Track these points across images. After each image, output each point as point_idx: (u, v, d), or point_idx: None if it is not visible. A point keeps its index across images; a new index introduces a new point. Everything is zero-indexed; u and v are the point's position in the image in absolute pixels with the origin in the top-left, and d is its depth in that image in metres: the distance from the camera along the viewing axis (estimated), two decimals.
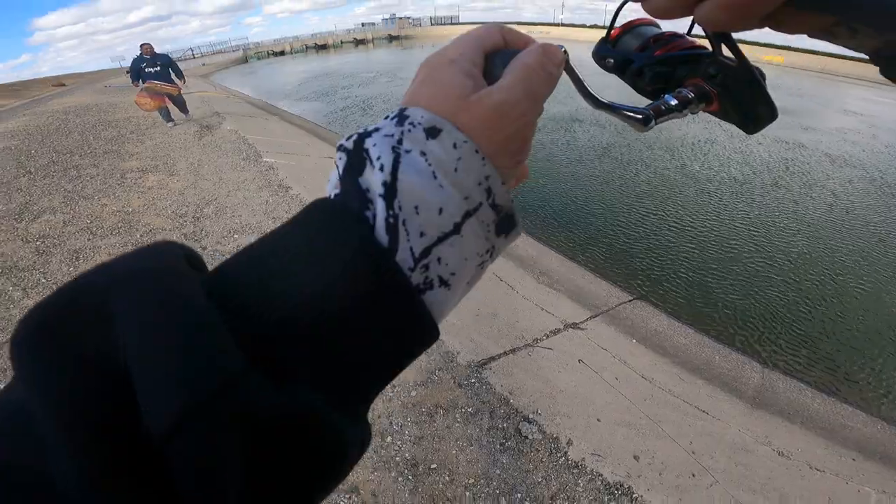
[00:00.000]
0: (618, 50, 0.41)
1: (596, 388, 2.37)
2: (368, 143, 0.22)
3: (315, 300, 0.19)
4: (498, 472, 1.85)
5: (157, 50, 7.24)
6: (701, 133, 8.85)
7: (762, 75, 0.32)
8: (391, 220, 0.21)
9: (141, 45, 7.01)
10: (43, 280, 3.11)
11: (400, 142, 0.22)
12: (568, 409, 2.20)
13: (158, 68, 7.00)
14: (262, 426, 0.17)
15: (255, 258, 0.21)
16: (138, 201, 4.48)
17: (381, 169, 0.21)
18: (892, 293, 4.12)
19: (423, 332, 0.22)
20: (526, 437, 2.00)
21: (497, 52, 0.28)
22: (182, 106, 7.88)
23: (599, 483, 1.84)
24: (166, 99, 7.29)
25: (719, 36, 0.32)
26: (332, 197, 0.23)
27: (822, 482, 2.17)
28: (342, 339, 0.20)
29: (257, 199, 4.48)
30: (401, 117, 0.23)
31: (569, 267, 3.83)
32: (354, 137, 0.23)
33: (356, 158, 0.23)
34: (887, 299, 4.03)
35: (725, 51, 0.33)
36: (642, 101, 0.35)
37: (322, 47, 38.73)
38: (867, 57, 0.25)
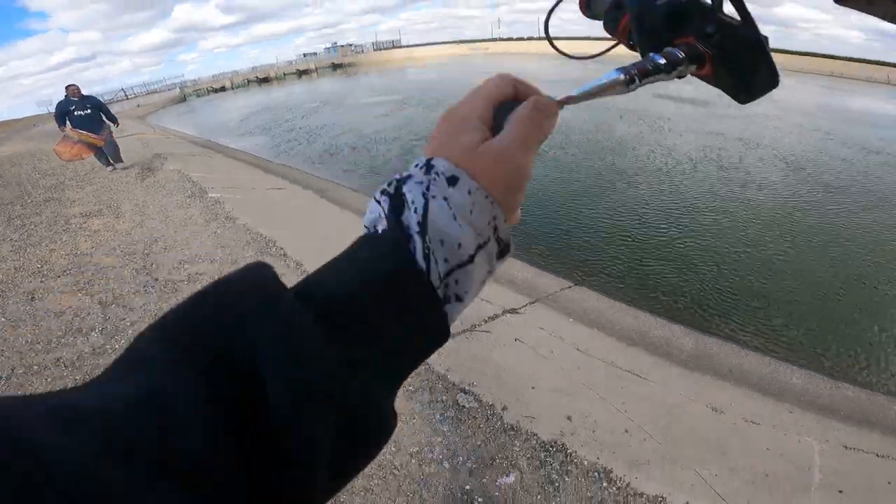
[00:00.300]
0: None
1: (531, 361, 2.58)
2: (405, 189, 0.29)
3: (379, 310, 0.26)
4: (440, 439, 2.03)
5: (86, 92, 6.73)
6: (629, 130, 9.50)
7: (766, 38, 0.30)
8: (426, 251, 0.27)
9: (67, 87, 6.46)
10: (3, 319, 3.24)
11: (428, 188, 0.28)
12: (503, 380, 2.40)
13: (89, 111, 6.49)
14: (345, 407, 0.23)
15: (331, 275, 0.27)
16: (86, 244, 4.48)
17: (416, 211, 0.28)
18: (810, 257, 4.61)
19: (441, 335, 0.29)
20: (463, 407, 2.20)
21: (505, 103, 0.33)
22: (115, 153, 7.19)
23: (535, 442, 2.05)
24: (89, 148, 6.66)
25: None
26: (378, 230, 0.29)
27: (758, 433, 2.33)
28: (396, 340, 0.26)
29: (205, 231, 4.56)
30: (428, 166, 0.30)
31: (510, 263, 4.06)
32: (394, 184, 0.30)
33: (398, 201, 0.29)
34: (806, 263, 4.51)
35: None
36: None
37: (264, 80, 38.13)
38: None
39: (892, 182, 7.09)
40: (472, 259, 0.28)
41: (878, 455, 2.28)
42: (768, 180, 6.74)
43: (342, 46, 58.82)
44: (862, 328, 3.58)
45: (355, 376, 0.24)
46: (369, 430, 0.25)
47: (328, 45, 61.31)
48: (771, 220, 5.44)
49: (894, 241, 5.01)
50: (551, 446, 2.04)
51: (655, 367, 2.78)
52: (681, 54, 0.32)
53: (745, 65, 0.31)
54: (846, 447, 2.31)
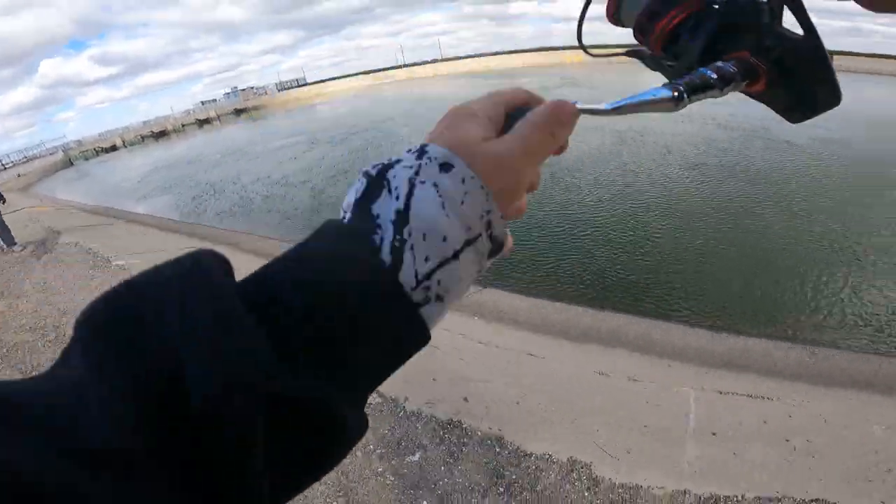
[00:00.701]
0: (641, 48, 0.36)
1: (434, 359, 2.93)
2: (390, 174, 0.26)
3: (327, 305, 0.23)
4: None
5: None
6: None
7: (830, 53, 0.28)
8: (397, 243, 0.24)
9: None
10: None
11: (417, 173, 0.26)
12: (406, 377, 2.70)
13: None
14: (282, 406, 0.21)
15: (279, 269, 0.24)
16: None
17: (397, 198, 0.25)
18: (684, 228, 5.41)
19: (418, 339, 0.26)
20: (370, 403, 2.49)
21: (520, 108, 0.31)
22: (6, 235, 6.51)
23: (434, 423, 2.41)
24: None
25: (788, 1, 0.27)
26: (344, 220, 0.27)
27: (639, 389, 2.60)
28: (349, 339, 0.23)
29: None
30: (421, 151, 0.27)
31: None
32: (379, 167, 0.27)
33: (375, 186, 0.26)
34: (681, 234, 5.28)
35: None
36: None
37: (161, 134, 35.82)
38: None
39: (740, 152, 8.47)
40: (456, 256, 0.26)
41: (751, 396, 2.58)
42: (643, 167, 7.77)
43: (244, 90, 57.05)
44: (733, 282, 4.25)
45: (297, 373, 0.22)
46: (320, 435, 0.23)
47: (228, 90, 59.36)
48: (649, 201, 6.28)
49: (748, 205, 6.01)
50: (448, 424, 2.40)
51: (550, 347, 3.15)
52: (733, 69, 0.30)
53: (806, 80, 0.29)
54: (720, 392, 2.61)
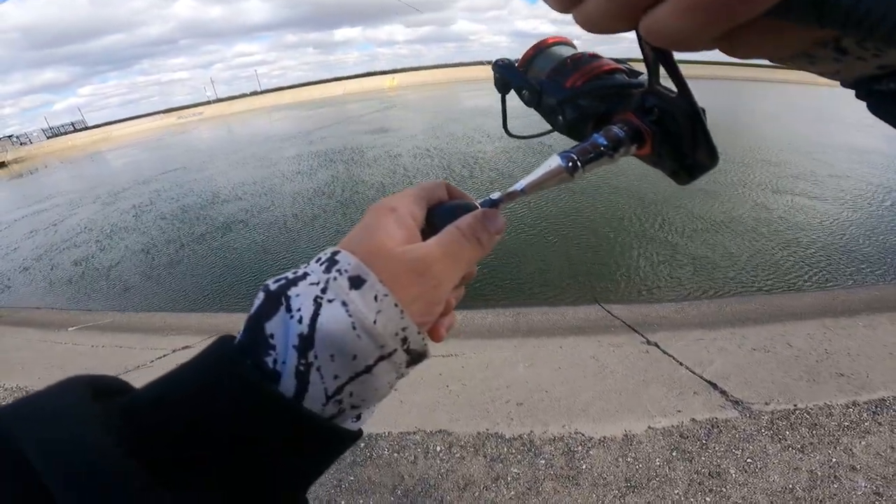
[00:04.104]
0: (530, 78, 0.35)
1: None
2: (292, 292, 0.24)
3: (208, 436, 0.21)
4: None
5: None
6: (327, 174, 9.91)
7: (703, 110, 0.26)
8: (301, 367, 0.23)
9: None
10: None
11: (324, 290, 0.24)
12: None
13: None
14: None
15: (160, 395, 0.23)
16: None
17: (300, 321, 0.23)
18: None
19: (340, 442, 0.25)
20: None
21: (442, 204, 0.30)
22: None
23: None
24: None
25: (660, 56, 0.25)
26: (238, 337, 0.24)
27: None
28: (239, 465, 0.21)
29: None
30: (331, 262, 0.25)
31: None
32: (282, 282, 0.25)
33: (271, 303, 0.24)
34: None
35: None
36: (562, 140, 0.31)
37: None
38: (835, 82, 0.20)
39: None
40: (369, 370, 0.24)
41: (445, 356, 2.97)
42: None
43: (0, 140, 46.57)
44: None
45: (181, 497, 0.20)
46: None
47: None
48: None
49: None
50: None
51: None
52: (622, 133, 0.28)
53: (685, 142, 0.27)
54: None
